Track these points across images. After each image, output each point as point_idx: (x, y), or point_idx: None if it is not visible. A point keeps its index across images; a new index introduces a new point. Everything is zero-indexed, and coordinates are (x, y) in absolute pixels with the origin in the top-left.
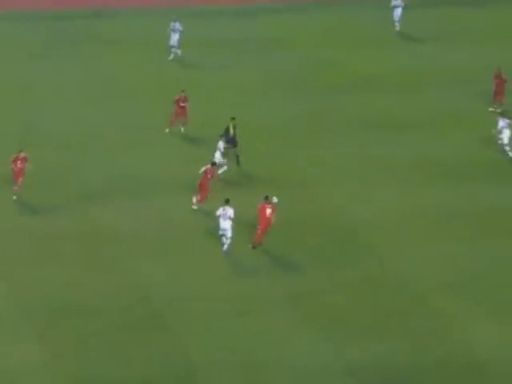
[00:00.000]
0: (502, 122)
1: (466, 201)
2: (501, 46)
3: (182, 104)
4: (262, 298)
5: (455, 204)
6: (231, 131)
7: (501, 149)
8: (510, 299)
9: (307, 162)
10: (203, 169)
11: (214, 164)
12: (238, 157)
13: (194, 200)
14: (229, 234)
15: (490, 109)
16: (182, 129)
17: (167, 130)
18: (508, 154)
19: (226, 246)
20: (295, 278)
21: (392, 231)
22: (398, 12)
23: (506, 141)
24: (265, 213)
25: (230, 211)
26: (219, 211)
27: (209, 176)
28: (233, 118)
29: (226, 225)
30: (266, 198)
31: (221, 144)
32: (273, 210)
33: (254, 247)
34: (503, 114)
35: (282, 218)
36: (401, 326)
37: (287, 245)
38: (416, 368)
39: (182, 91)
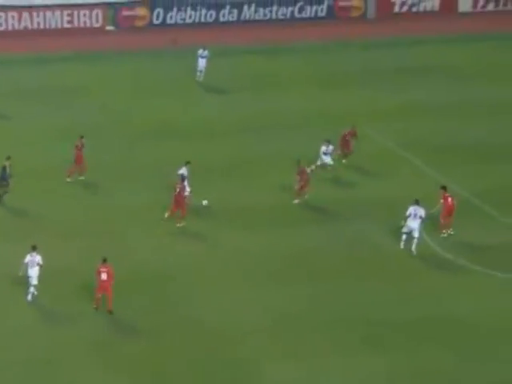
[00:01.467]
0: (324, 147)
1: (276, 245)
2: (304, 92)
3: (79, 149)
4: (66, 346)
5: (263, 248)
6: (7, 170)
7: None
8: (317, 342)
9: (112, 212)
10: (177, 190)
11: (183, 179)
12: (2, 195)
13: (166, 215)
14: (34, 281)
15: (344, 161)
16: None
17: (68, 180)
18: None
19: (30, 295)
20: (101, 325)
21: (203, 278)
22: (202, 62)
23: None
24: (100, 277)
25: (38, 257)
26: (27, 258)
27: (182, 192)
28: (8, 158)
29: (33, 272)
30: (104, 261)
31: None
32: (109, 274)
33: (110, 312)
34: (329, 141)
35: (89, 266)
36: (204, 373)
37: (91, 293)
38: None
39: (81, 137)
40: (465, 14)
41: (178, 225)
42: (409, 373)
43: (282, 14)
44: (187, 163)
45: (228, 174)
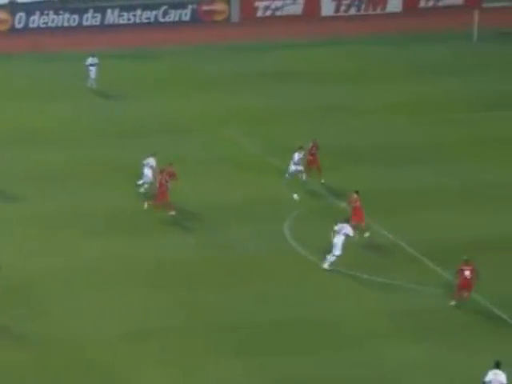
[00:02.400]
0: (297, 156)
1: (142, 252)
2: (169, 96)
3: None
4: None
5: (127, 256)
6: None
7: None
8: (186, 348)
9: None
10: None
11: (162, 171)
12: None
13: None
14: None
15: (322, 181)
16: None
17: None
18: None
19: None
20: None
21: (60, 284)
22: (92, 70)
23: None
24: None
25: None
26: None
27: (165, 180)
28: None
29: None
30: None
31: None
32: None
33: None
34: (302, 148)
35: None
36: (63, 380)
37: None
38: None
39: None
40: (327, 18)
41: (172, 213)
42: (275, 376)
43: (146, 18)
44: (154, 154)
45: (98, 180)
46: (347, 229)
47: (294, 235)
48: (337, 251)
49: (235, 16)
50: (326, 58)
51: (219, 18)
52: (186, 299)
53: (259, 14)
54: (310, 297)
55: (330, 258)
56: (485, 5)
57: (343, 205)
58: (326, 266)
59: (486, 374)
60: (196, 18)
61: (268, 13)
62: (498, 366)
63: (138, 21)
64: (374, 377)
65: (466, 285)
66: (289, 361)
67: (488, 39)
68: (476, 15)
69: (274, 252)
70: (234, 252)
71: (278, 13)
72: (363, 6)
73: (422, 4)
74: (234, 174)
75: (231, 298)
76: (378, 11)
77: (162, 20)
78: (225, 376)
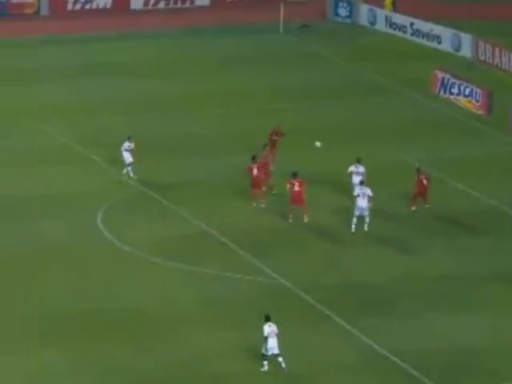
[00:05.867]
0: (355, 168)
1: None
2: None
3: None
4: None
5: None
6: None
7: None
8: None
9: None
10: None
11: (254, 158)
12: None
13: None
14: None
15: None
16: None
17: None
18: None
19: None
20: None
21: None
22: None
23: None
24: None
25: None
26: None
27: (260, 171)
28: None
29: None
30: None
31: None
32: None
33: None
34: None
35: None
36: None
37: None
38: None
39: None
40: (137, 12)
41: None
42: (89, 366)
43: None
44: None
45: None
46: (368, 191)
47: (108, 226)
48: (367, 212)
49: (45, 9)
50: (136, 51)
51: (29, 11)
52: None
53: (69, 7)
54: (124, 286)
55: (369, 221)
56: None
57: (152, 194)
58: (366, 228)
59: (262, 330)
60: (5, 11)
61: (78, 6)
62: (268, 319)
63: None
64: (187, 362)
65: (423, 192)
66: (107, 350)
67: (292, 32)
68: (282, 8)
69: (88, 243)
70: (46, 243)
71: (88, 6)
72: (172, 0)
73: None
74: (48, 167)
75: (43, 288)
76: (187, 5)
77: None
78: (34, 369)
